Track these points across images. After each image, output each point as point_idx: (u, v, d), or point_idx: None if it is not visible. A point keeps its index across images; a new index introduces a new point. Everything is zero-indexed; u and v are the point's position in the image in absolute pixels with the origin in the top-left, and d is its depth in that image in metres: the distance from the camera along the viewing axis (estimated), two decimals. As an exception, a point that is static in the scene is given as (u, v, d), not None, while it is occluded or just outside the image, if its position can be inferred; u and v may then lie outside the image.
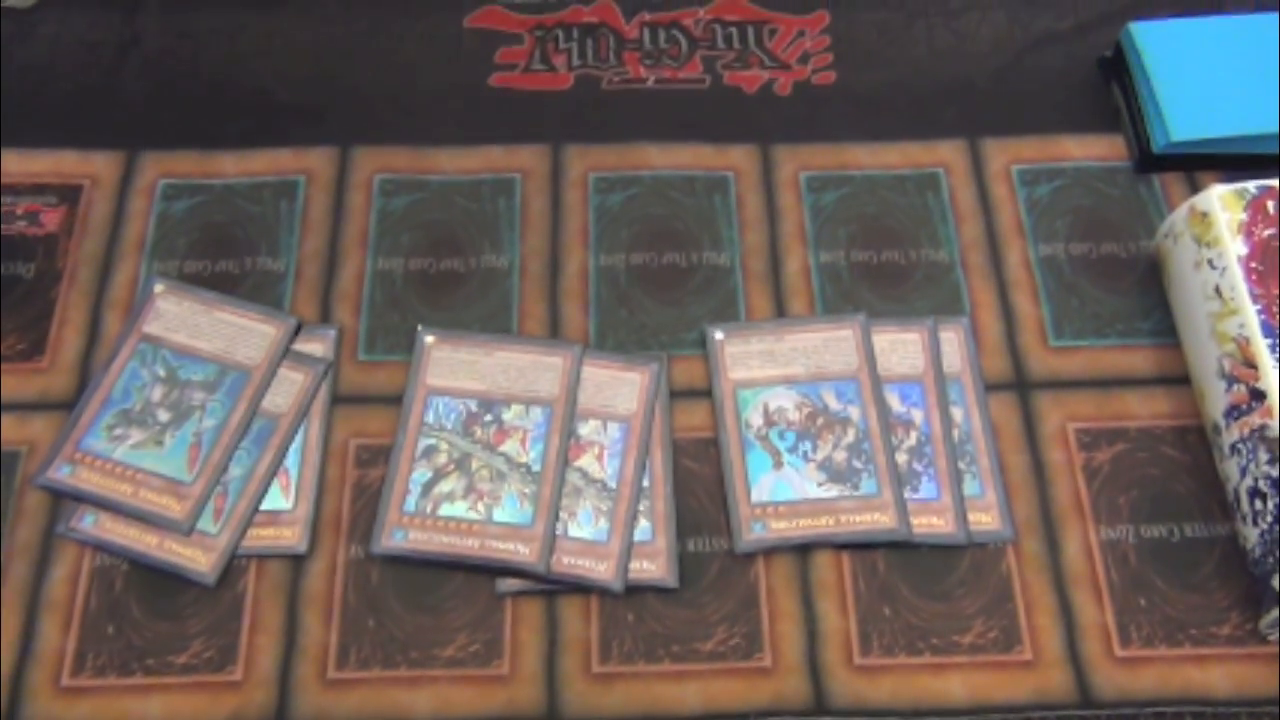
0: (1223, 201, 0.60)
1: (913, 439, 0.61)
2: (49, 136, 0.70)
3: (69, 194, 0.69)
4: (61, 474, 0.59)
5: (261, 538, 0.59)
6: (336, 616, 0.57)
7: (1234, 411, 0.57)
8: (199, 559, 0.58)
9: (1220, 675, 0.56)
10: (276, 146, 0.70)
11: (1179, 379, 0.63)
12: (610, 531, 0.59)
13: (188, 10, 0.76)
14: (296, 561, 0.58)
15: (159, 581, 0.58)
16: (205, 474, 0.60)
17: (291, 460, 0.61)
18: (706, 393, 0.63)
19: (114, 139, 0.70)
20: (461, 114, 0.72)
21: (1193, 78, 0.69)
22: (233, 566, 0.58)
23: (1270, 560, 0.54)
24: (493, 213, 0.68)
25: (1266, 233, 0.59)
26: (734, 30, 0.75)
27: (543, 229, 0.68)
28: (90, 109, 0.72)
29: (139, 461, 0.60)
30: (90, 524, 0.59)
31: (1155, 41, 0.70)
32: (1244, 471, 0.56)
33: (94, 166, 0.69)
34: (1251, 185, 0.60)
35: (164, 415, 0.61)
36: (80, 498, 0.59)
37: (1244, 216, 0.59)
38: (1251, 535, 0.56)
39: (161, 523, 0.58)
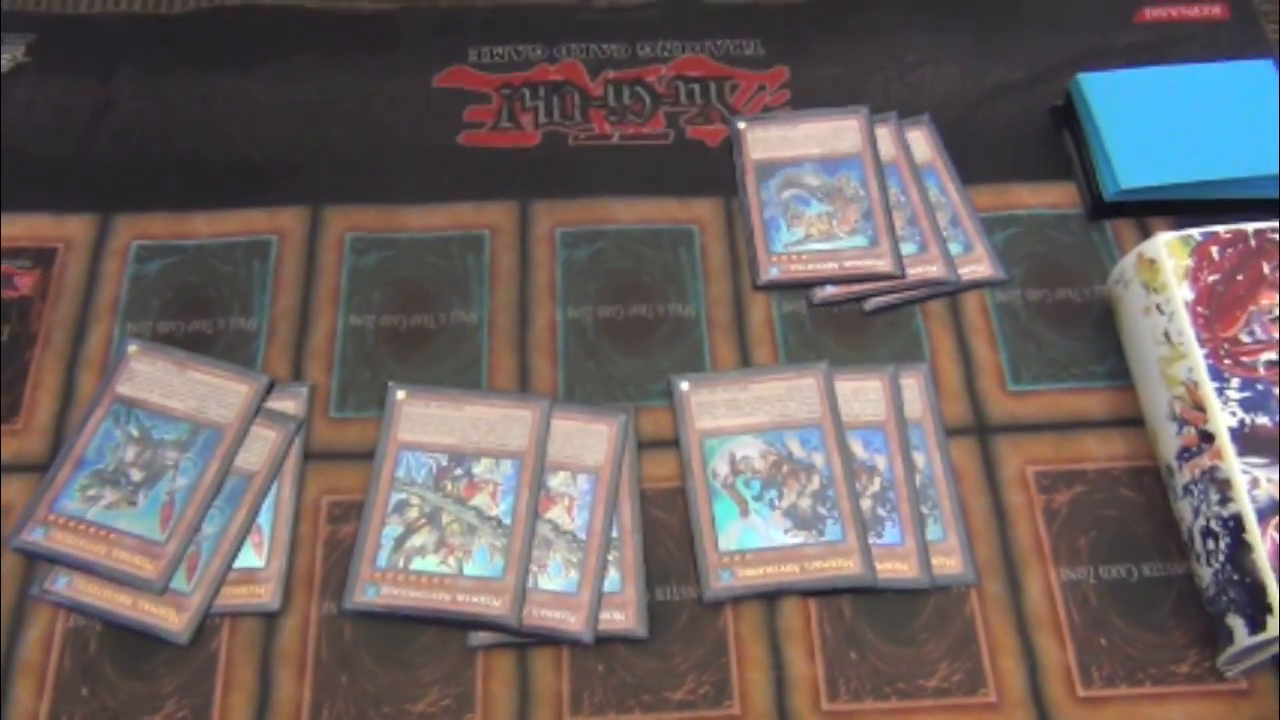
0: (1169, 248, 0.62)
1: (876, 485, 0.63)
2: (24, 200, 0.71)
3: (43, 257, 0.70)
4: (35, 536, 0.60)
5: (235, 596, 0.59)
6: (310, 673, 0.58)
7: (1185, 453, 0.58)
8: (171, 618, 0.58)
9: (1180, 713, 0.57)
10: (249, 207, 0.72)
11: (1134, 421, 0.64)
12: (580, 583, 0.59)
13: (162, 73, 0.77)
14: (269, 619, 0.59)
15: (132, 642, 0.58)
16: (178, 533, 0.60)
17: (264, 518, 0.61)
18: (673, 443, 0.64)
19: (88, 202, 0.72)
20: (431, 172, 0.73)
21: (1140, 127, 0.71)
22: (206, 625, 0.59)
23: (1224, 599, 0.55)
24: (462, 269, 0.70)
25: (1211, 278, 0.61)
26: (696, 86, 0.77)
27: (511, 284, 0.69)
28: (65, 172, 0.73)
29: (112, 522, 0.61)
30: (64, 585, 0.59)
31: (1103, 92, 0.72)
32: (1196, 512, 0.57)
33: (68, 229, 0.71)
34: (1196, 232, 0.62)
35: (137, 475, 0.62)
36: (55, 559, 0.60)
37: (1190, 263, 0.61)
38: (1206, 574, 0.57)
39: (135, 583, 0.59)
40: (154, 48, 0.79)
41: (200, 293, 0.69)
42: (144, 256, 0.70)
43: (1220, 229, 0.62)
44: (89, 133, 0.75)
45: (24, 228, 0.71)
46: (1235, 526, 0.55)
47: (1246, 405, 0.57)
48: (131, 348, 0.66)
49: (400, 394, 0.65)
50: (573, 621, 0.58)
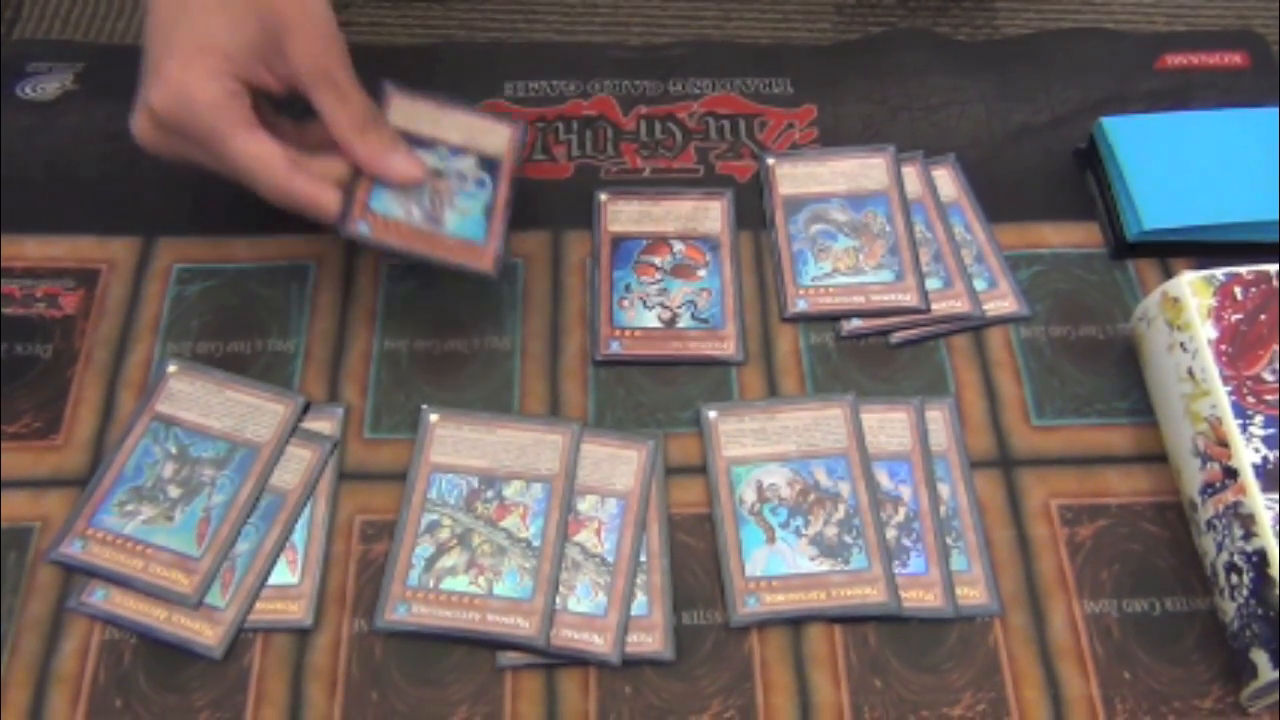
0: (1193, 288, 0.63)
1: (901, 515, 0.63)
2: (70, 222, 0.73)
3: (87, 278, 0.71)
4: (74, 549, 0.61)
5: (268, 612, 0.60)
6: (340, 689, 0.58)
7: (1209, 489, 0.59)
8: (206, 632, 0.59)
9: (1204, 747, 0.57)
10: (288, 232, 0.73)
11: (1157, 456, 0.65)
12: (608, 605, 0.60)
13: (205, 102, 0.79)
14: (301, 635, 0.60)
15: (167, 655, 0.59)
16: (214, 549, 0.61)
17: (298, 536, 0.62)
18: (701, 469, 0.65)
19: (132, 225, 0.73)
20: (466, 201, 0.75)
21: (1162, 169, 0.72)
22: (239, 640, 0.59)
23: (1248, 634, 0.56)
24: (497, 296, 0.71)
25: (1235, 317, 0.62)
26: (726, 123, 0.79)
27: (544, 311, 0.71)
28: (110, 196, 0.75)
29: (149, 537, 0.62)
30: (101, 599, 0.60)
31: (1126, 135, 0.74)
32: (1220, 547, 0.58)
33: (112, 251, 0.72)
34: (1219, 272, 0.63)
35: (175, 491, 0.63)
36: (92, 573, 0.61)
37: (1213, 302, 0.62)
38: (1229, 609, 0.58)
39: (170, 597, 0.60)
40: (198, 77, 0.81)
41: (239, 315, 0.70)
42: (185, 279, 0.71)
43: (1243, 269, 0.63)
44: (134, 158, 0.76)
45: (69, 249, 0.72)
46: (1259, 562, 0.55)
47: (1270, 442, 0.58)
48: (171, 367, 0.67)
49: (433, 417, 0.66)
50: (600, 643, 0.59)
